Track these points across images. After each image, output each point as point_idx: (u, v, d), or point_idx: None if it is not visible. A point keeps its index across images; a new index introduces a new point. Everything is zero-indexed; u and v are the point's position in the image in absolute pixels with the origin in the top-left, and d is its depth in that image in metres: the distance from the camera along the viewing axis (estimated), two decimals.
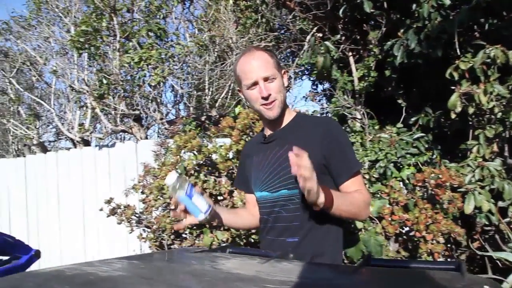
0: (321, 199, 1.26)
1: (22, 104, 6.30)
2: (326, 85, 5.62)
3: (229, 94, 4.99)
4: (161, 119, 4.39)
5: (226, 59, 4.97)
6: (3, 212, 6.23)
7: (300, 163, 1.18)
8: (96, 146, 4.96)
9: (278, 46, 4.62)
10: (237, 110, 3.44)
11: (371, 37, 3.54)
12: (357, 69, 3.91)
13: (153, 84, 3.70)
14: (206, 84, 4.29)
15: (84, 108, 5.18)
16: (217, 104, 4.44)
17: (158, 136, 5.98)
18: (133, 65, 3.44)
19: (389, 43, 3.43)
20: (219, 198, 2.95)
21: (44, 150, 6.11)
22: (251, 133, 2.88)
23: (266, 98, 1.51)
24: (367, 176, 3.01)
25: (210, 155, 2.93)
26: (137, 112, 4.35)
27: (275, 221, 1.54)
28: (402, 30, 3.42)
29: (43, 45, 6.01)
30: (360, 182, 1.51)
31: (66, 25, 5.22)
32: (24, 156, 6.07)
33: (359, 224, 2.57)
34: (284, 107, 1.59)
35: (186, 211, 1.46)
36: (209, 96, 4.43)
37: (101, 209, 3.79)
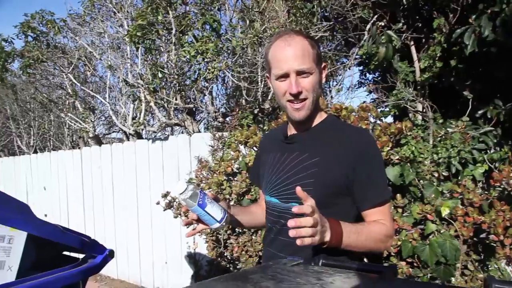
0: (326, 238, 1.14)
1: (77, 98, 6.52)
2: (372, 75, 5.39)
3: None
4: (215, 112, 4.36)
5: None
6: (62, 203, 6.53)
7: (300, 224, 1.06)
8: (149, 139, 5.02)
9: (333, 36, 4.45)
10: None
11: (439, 25, 3.30)
12: (420, 59, 3.69)
13: (209, 78, 3.66)
14: (259, 76, 4.20)
15: (137, 102, 5.26)
16: (269, 97, 4.35)
17: (207, 129, 6.00)
18: (189, 58, 3.41)
19: (458, 31, 3.19)
20: None
21: (99, 142, 6.30)
22: None
23: (295, 96, 1.31)
24: (436, 174, 2.83)
25: None
26: (191, 105, 4.35)
27: (278, 233, 1.41)
28: (473, 16, 3.16)
29: (97, 40, 6.18)
30: (385, 212, 1.33)
31: (119, 20, 5.30)
32: (80, 148, 6.29)
33: (432, 226, 2.41)
34: (316, 107, 1.38)
35: (199, 218, 1.33)
36: (261, 89, 4.35)
37: (157, 203, 3.85)
